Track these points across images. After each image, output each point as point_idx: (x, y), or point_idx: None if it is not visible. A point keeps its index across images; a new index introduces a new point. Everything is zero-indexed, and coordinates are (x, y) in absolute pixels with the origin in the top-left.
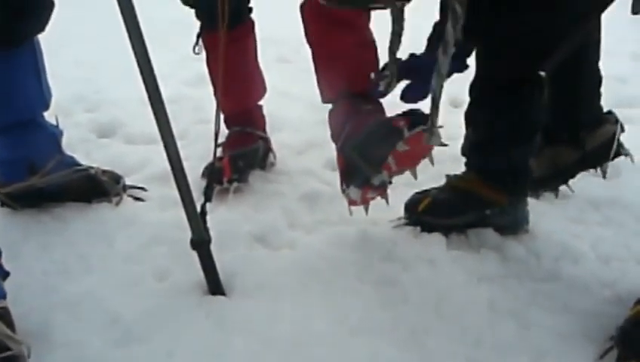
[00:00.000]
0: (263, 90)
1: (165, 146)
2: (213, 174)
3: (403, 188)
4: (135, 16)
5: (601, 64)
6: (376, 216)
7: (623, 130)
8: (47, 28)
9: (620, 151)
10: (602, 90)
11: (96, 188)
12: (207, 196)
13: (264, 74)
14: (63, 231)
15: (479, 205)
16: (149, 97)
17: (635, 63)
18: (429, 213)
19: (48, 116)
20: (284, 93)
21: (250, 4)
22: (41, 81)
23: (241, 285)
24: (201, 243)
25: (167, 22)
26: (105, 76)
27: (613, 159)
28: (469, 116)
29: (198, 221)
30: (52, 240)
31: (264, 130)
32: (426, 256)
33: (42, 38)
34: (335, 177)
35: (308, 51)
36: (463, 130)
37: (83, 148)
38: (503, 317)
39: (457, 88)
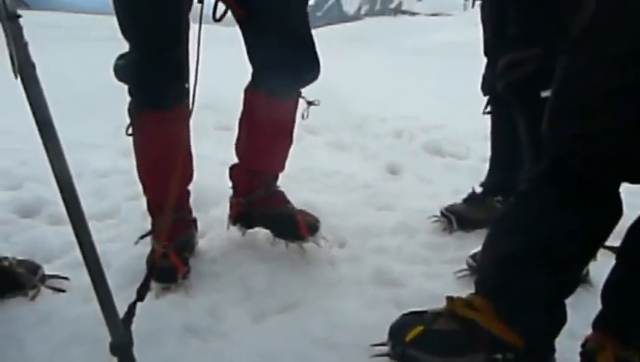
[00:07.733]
0: (192, 173)
1: (80, 244)
2: (163, 273)
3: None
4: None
5: None
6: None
7: None
8: None
9: None
10: None
11: (10, 281)
12: (140, 295)
13: (203, 141)
14: None
15: (488, 345)
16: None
17: None
18: (419, 347)
19: None
20: (223, 161)
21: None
22: None
23: None
24: (121, 347)
25: (101, 89)
26: (33, 149)
27: None
28: (506, 216)
29: (117, 322)
30: None
31: (191, 212)
32: None
33: None
34: (278, 256)
35: None
36: (400, 200)
37: (3, 230)
38: None
39: (395, 154)
